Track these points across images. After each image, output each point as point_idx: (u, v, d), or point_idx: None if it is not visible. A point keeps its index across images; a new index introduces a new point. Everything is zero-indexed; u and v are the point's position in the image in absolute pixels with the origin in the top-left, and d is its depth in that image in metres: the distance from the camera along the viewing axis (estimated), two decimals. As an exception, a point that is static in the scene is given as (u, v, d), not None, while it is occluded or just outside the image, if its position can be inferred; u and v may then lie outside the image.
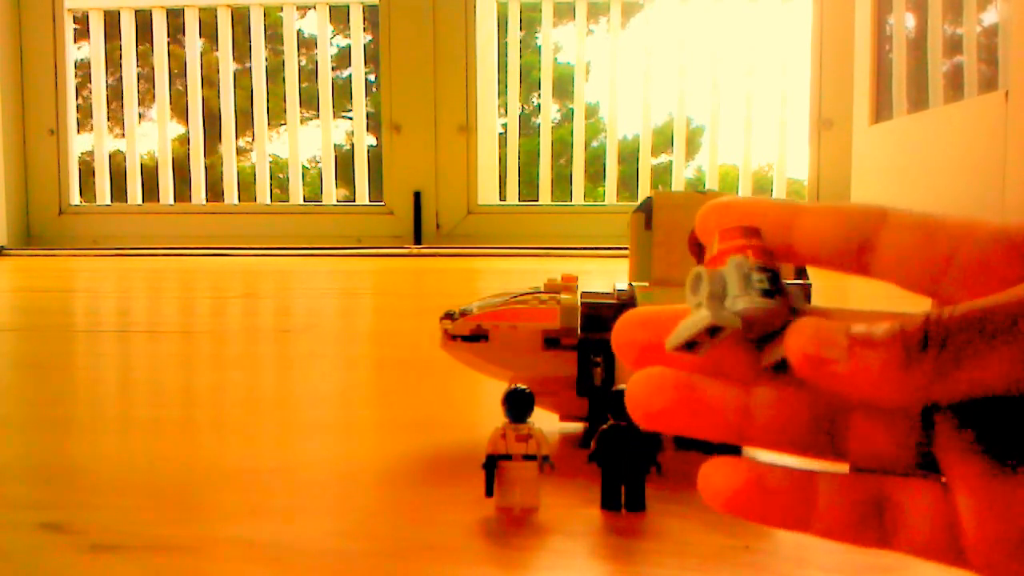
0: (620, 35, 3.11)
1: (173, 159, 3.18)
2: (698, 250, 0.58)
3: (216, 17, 3.03)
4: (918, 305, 0.21)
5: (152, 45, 3.09)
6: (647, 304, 0.55)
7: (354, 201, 3.09)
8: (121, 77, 3.09)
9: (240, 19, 3.11)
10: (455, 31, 2.77)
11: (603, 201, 3.11)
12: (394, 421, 0.68)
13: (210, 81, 3.32)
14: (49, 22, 2.91)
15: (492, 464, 0.43)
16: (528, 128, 5.14)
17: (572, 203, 2.99)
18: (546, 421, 0.55)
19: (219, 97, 3.11)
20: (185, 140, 3.35)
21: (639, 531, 0.43)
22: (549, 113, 3.11)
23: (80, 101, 3.28)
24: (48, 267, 2.36)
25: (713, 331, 0.22)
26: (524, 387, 0.44)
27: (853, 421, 0.22)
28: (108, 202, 3.11)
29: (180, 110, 3.72)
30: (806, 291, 0.57)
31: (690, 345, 0.22)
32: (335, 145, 3.27)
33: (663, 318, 0.23)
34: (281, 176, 4.76)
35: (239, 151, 3.58)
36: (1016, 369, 0.18)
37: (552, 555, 0.40)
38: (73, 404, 0.75)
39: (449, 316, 0.57)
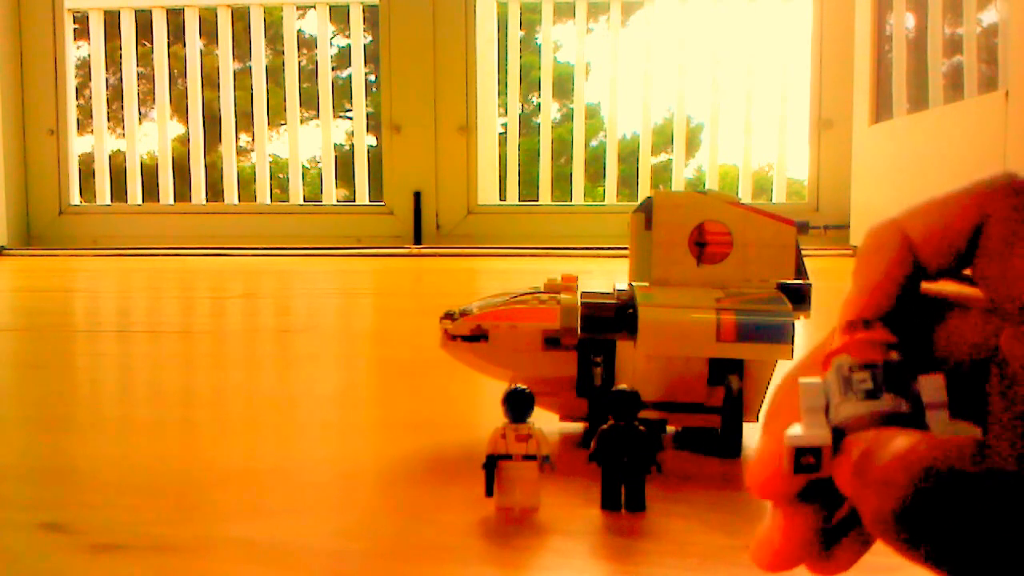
0: (620, 34, 3.11)
1: (173, 159, 3.18)
2: (698, 250, 0.58)
3: (216, 17, 3.03)
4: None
5: (152, 45, 3.09)
6: (647, 304, 0.55)
7: (354, 201, 3.09)
8: (121, 77, 3.09)
9: (240, 19, 3.11)
10: (455, 31, 2.77)
11: (603, 201, 3.11)
12: (394, 421, 0.68)
13: (210, 81, 3.31)
14: (49, 22, 2.91)
15: (492, 464, 0.43)
16: (528, 128, 5.14)
17: (572, 203, 2.99)
18: (546, 421, 0.55)
19: (219, 97, 3.11)
20: (185, 140, 3.35)
21: (639, 531, 0.43)
22: (549, 113, 3.11)
23: (81, 101, 3.28)
24: (48, 267, 2.36)
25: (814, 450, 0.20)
26: (524, 387, 0.44)
27: None
28: (108, 202, 3.11)
29: (180, 110, 3.72)
30: (806, 291, 0.57)
31: (806, 468, 0.20)
32: (335, 145, 3.27)
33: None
34: (281, 176, 4.76)
35: (239, 151, 3.58)
36: None
37: (552, 555, 0.40)
38: (73, 404, 0.75)
39: (449, 316, 0.57)
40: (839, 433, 0.20)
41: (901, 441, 0.18)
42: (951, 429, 0.19)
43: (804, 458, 0.20)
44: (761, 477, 0.22)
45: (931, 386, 0.20)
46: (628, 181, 3.67)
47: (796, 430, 0.20)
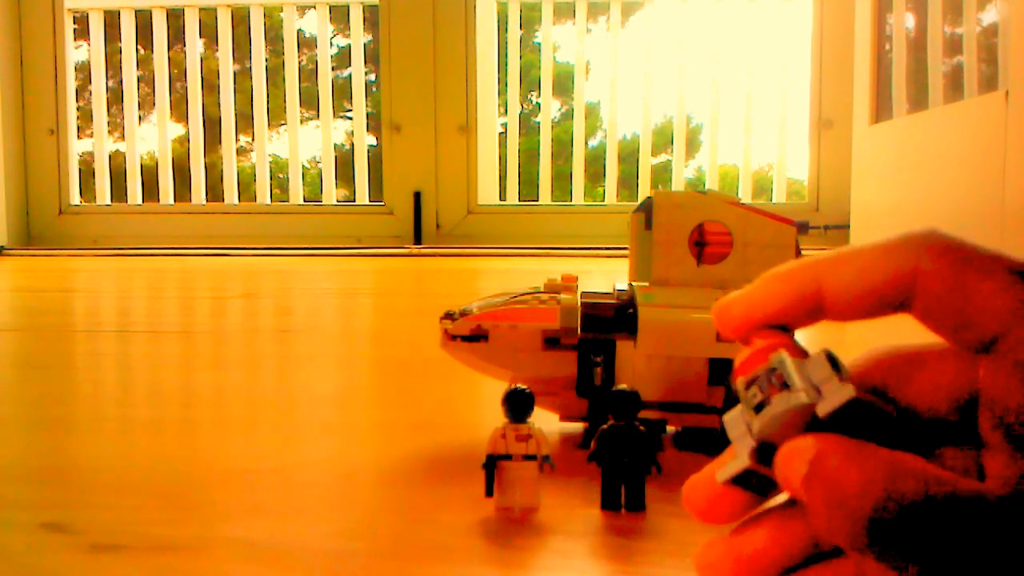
0: (620, 34, 3.11)
1: (173, 159, 3.18)
2: (698, 250, 0.58)
3: (216, 17, 3.03)
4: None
5: (152, 45, 3.09)
6: (647, 304, 0.55)
7: (354, 201, 3.09)
8: (121, 78, 3.09)
9: (240, 19, 3.11)
10: (455, 31, 2.77)
11: (603, 201, 3.11)
12: (394, 421, 0.68)
13: (210, 81, 3.32)
14: (49, 22, 2.91)
15: (492, 464, 0.43)
16: (528, 127, 5.14)
17: (572, 203, 2.99)
18: (546, 421, 0.55)
19: (219, 97, 3.11)
20: (185, 140, 3.35)
21: (639, 531, 0.43)
22: (549, 112, 3.11)
23: (81, 103, 3.28)
24: (48, 267, 2.36)
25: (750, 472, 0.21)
26: (524, 387, 0.44)
27: None
28: (108, 202, 3.11)
29: (180, 110, 3.72)
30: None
31: (743, 481, 0.21)
32: (335, 145, 3.27)
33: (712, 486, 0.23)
34: (281, 176, 4.76)
35: (239, 151, 3.58)
36: None
37: (552, 555, 0.40)
38: (73, 404, 0.75)
39: (449, 316, 0.57)
40: (768, 447, 0.21)
41: (867, 462, 0.19)
42: (835, 393, 0.20)
43: (746, 483, 0.21)
44: (702, 503, 0.23)
45: (816, 364, 0.20)
46: (628, 181, 3.67)
47: (727, 468, 0.21)
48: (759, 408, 0.20)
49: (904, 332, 0.25)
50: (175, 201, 3.13)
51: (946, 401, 0.21)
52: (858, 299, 0.21)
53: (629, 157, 3.51)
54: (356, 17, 3.01)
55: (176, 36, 3.30)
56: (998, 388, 0.20)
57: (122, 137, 3.19)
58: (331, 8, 3.06)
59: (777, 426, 0.20)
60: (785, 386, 0.20)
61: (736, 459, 0.21)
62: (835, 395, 0.20)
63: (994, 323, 0.20)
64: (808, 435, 0.20)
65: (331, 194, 3.09)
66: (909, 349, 0.22)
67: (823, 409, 0.20)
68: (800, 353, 0.21)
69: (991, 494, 0.18)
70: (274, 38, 3.38)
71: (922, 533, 0.18)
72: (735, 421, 0.21)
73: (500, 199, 3.00)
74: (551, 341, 0.55)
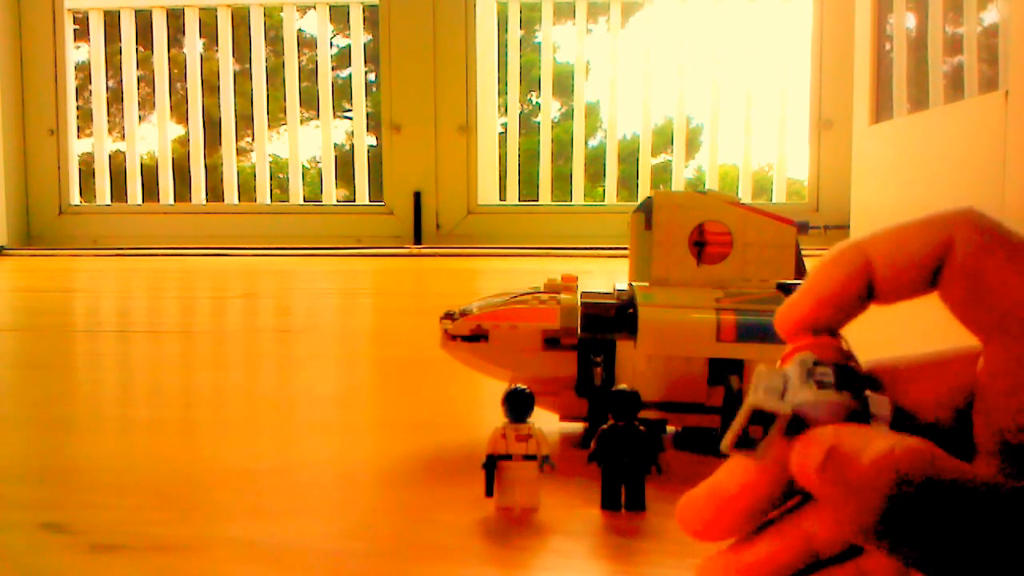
0: (620, 34, 3.11)
1: (173, 159, 3.18)
2: (698, 250, 0.58)
3: (216, 17, 3.03)
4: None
5: (152, 45, 3.09)
6: (647, 304, 0.55)
7: (354, 201, 3.09)
8: (121, 78, 3.09)
9: (240, 19, 3.11)
10: (455, 31, 2.77)
11: (603, 201, 3.11)
12: (394, 421, 0.68)
13: (210, 81, 3.31)
14: (49, 22, 2.91)
15: (492, 464, 0.43)
16: (528, 127, 5.14)
17: (572, 203, 2.99)
18: (546, 421, 0.55)
19: (219, 97, 3.11)
20: (185, 140, 3.35)
21: (639, 531, 0.43)
22: (549, 112, 3.11)
23: (81, 103, 3.28)
24: (48, 267, 2.36)
25: (764, 420, 0.20)
26: (524, 387, 0.44)
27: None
28: (108, 202, 3.11)
29: (180, 110, 3.72)
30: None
31: (746, 444, 0.21)
32: (335, 145, 3.27)
33: (721, 493, 0.23)
34: (281, 176, 4.76)
35: (239, 151, 3.58)
36: None
37: (552, 555, 0.40)
38: (73, 404, 0.75)
39: (449, 316, 0.57)
40: (796, 420, 0.20)
41: (878, 444, 0.19)
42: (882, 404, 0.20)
43: (752, 428, 0.21)
44: (707, 515, 0.22)
45: (878, 401, 0.21)
46: (628, 181, 3.67)
47: (749, 400, 0.21)
48: (822, 384, 0.20)
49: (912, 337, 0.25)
50: (175, 201, 3.13)
51: (943, 408, 0.22)
52: (903, 272, 0.21)
53: (629, 157, 3.51)
54: (356, 17, 3.01)
55: (176, 36, 3.30)
56: (997, 385, 0.20)
57: (122, 137, 3.19)
58: (331, 8, 3.06)
59: (822, 411, 0.20)
60: (851, 390, 0.20)
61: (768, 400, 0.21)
62: (881, 407, 0.20)
63: (1007, 309, 0.20)
64: (830, 425, 0.20)
65: (331, 194, 3.09)
66: (908, 359, 0.23)
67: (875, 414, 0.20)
68: (838, 352, 0.21)
69: (1003, 485, 0.18)
70: (274, 38, 3.38)
71: (934, 520, 0.18)
72: (773, 375, 0.21)
73: (500, 199, 3.00)
74: (551, 341, 0.55)
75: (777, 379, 0.21)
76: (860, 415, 0.20)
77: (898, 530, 0.18)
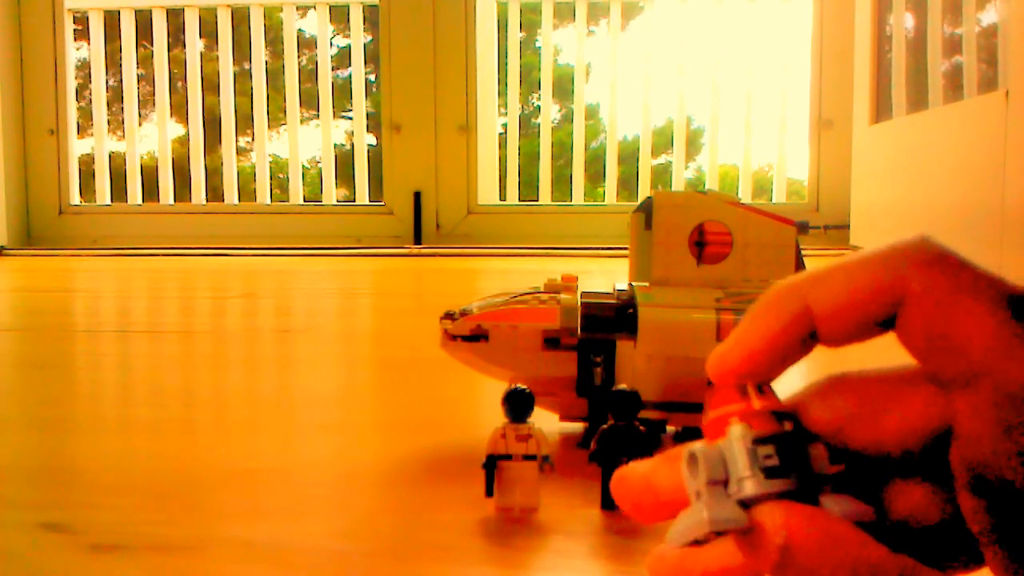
0: (620, 36, 3.11)
1: (173, 159, 3.18)
2: (698, 250, 0.58)
3: (216, 17, 3.04)
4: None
5: (152, 45, 3.09)
6: (647, 304, 0.55)
7: (354, 201, 3.09)
8: (121, 78, 3.09)
9: (240, 19, 3.11)
10: (455, 31, 2.77)
11: (603, 201, 3.11)
12: (394, 421, 0.68)
13: (210, 81, 3.31)
14: (49, 22, 2.91)
15: (492, 464, 0.43)
16: (528, 128, 5.14)
17: (572, 203, 2.99)
18: (546, 421, 0.55)
19: (219, 97, 3.11)
20: (185, 140, 3.35)
21: (639, 531, 0.43)
22: (549, 113, 3.11)
23: (81, 103, 3.28)
24: (48, 267, 2.36)
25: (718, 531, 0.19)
26: (524, 387, 0.44)
27: None
28: (108, 202, 3.11)
29: (180, 110, 3.72)
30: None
31: (697, 541, 0.20)
32: (335, 145, 3.27)
33: (656, 482, 0.21)
34: (281, 176, 4.76)
35: (239, 151, 3.58)
36: None
37: (552, 555, 0.40)
38: (73, 404, 0.75)
39: (449, 316, 0.57)
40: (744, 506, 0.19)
41: (844, 547, 0.18)
42: (841, 505, 0.19)
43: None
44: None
45: (819, 458, 0.20)
46: (628, 182, 3.67)
47: (700, 512, 0.19)
48: (768, 471, 0.19)
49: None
50: (175, 201, 3.13)
51: (915, 435, 0.20)
52: (846, 315, 0.20)
53: (629, 158, 3.51)
54: (356, 17, 3.01)
55: (176, 36, 3.30)
56: (973, 430, 0.19)
57: (122, 137, 3.19)
58: (331, 8, 3.06)
59: (771, 498, 0.19)
60: (793, 464, 0.19)
61: (697, 516, 0.19)
62: (848, 504, 0.19)
63: (977, 359, 0.19)
64: (779, 506, 0.19)
65: (331, 194, 3.09)
66: (874, 375, 0.21)
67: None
68: (770, 419, 0.20)
69: None
70: (274, 38, 3.38)
71: None
72: (713, 457, 0.20)
73: (500, 199, 3.00)
74: (551, 341, 0.55)
75: (718, 466, 0.19)
76: (808, 491, 0.19)
77: None
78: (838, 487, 0.20)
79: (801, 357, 0.21)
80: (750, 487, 0.19)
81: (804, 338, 0.20)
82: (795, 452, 0.19)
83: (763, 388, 0.21)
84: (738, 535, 0.19)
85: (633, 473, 0.22)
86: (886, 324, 0.20)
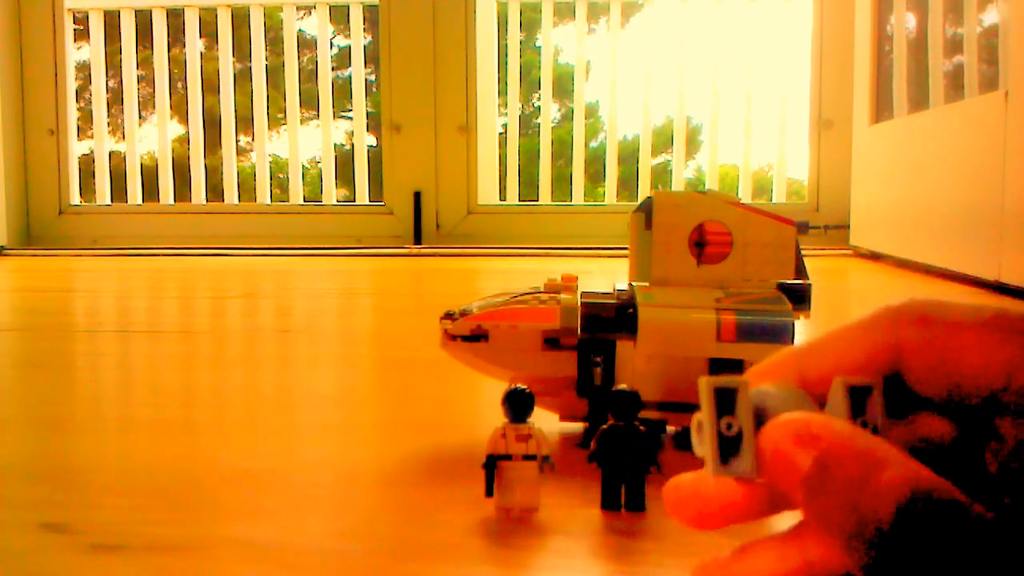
0: (620, 35, 3.11)
1: (173, 159, 3.17)
2: (698, 250, 0.58)
3: (216, 17, 3.04)
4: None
5: (152, 45, 3.09)
6: (647, 304, 0.55)
7: (354, 201, 3.09)
8: (121, 79, 3.09)
9: (240, 19, 3.11)
10: (455, 31, 2.77)
11: (603, 201, 3.11)
12: (394, 421, 0.68)
13: (210, 81, 3.31)
14: (49, 22, 2.91)
15: (492, 464, 0.43)
16: (528, 128, 5.14)
17: (572, 203, 2.99)
18: (546, 421, 0.55)
19: (219, 97, 3.11)
20: (185, 140, 3.35)
21: (639, 531, 0.43)
22: (549, 113, 3.11)
23: (81, 103, 3.28)
24: (48, 267, 2.36)
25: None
26: (524, 387, 0.44)
27: None
28: (108, 202, 3.11)
29: (180, 110, 3.72)
30: (806, 291, 0.57)
31: (729, 446, 0.20)
32: (335, 145, 3.27)
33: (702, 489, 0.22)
34: (281, 176, 4.76)
35: (239, 151, 3.58)
36: None
37: (552, 555, 0.40)
38: (73, 404, 0.75)
39: (449, 316, 0.57)
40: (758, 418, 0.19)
41: (889, 469, 0.18)
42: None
43: (726, 426, 0.20)
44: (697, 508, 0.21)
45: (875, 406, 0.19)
46: (628, 182, 3.67)
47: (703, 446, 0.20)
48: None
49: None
50: (175, 201, 3.13)
51: (996, 375, 0.20)
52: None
53: (629, 158, 3.51)
54: (356, 17, 3.01)
55: (176, 36, 3.30)
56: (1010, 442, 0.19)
57: (122, 137, 3.19)
58: (331, 8, 3.06)
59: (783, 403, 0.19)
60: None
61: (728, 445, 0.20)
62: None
63: (992, 382, 0.19)
64: (795, 415, 0.19)
65: (331, 194, 3.09)
66: (950, 315, 0.21)
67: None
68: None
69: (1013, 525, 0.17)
70: (274, 38, 3.38)
71: (929, 558, 0.17)
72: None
73: (500, 199, 3.00)
74: (551, 341, 0.55)
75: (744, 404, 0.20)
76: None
77: (890, 563, 0.17)
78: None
79: None
80: (760, 396, 0.19)
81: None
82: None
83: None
84: (767, 449, 0.19)
85: (687, 482, 0.22)
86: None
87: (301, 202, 3.09)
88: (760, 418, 0.19)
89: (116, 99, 3.22)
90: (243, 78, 3.52)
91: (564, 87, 4.01)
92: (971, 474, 0.20)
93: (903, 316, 0.20)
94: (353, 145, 3.15)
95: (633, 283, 0.58)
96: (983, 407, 0.19)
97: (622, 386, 0.46)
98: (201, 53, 3.16)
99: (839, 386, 0.20)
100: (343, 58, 5.41)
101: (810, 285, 0.57)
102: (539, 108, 3.15)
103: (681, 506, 0.21)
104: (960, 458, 0.21)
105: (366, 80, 3.22)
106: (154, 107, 3.15)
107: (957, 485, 0.19)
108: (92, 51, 3.08)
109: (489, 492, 0.43)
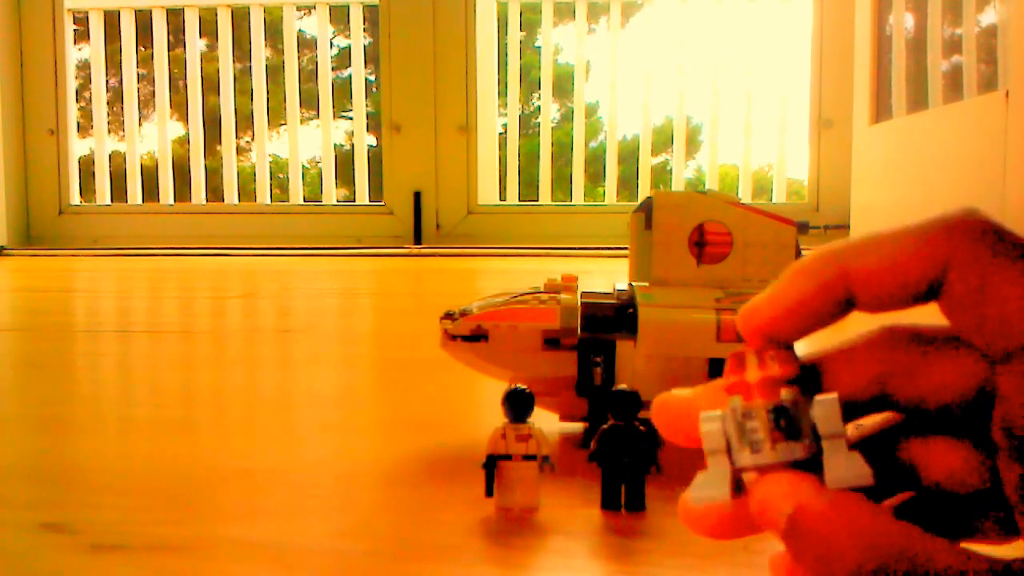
0: (620, 35, 3.11)
1: (173, 159, 3.18)
2: (698, 250, 0.58)
3: (216, 17, 3.04)
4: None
5: (152, 45, 3.09)
6: (647, 304, 0.55)
7: (354, 201, 3.09)
8: (121, 78, 3.09)
9: (240, 19, 3.11)
10: (455, 31, 2.77)
11: (603, 201, 3.11)
12: (394, 421, 0.68)
13: (210, 81, 3.31)
14: (49, 22, 2.91)
15: (492, 464, 0.43)
16: (528, 128, 5.14)
17: (572, 203, 2.99)
18: (546, 421, 0.55)
19: (219, 97, 3.11)
20: (185, 140, 3.35)
21: (639, 531, 0.43)
22: (549, 113, 3.11)
23: (81, 103, 3.28)
24: (48, 267, 2.36)
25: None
26: (524, 387, 0.44)
27: None
28: (108, 202, 3.11)
29: (180, 110, 3.72)
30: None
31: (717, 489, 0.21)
32: (335, 145, 3.27)
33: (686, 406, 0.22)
34: (281, 176, 4.76)
35: (239, 151, 3.58)
36: None
37: (552, 555, 0.40)
38: (73, 404, 0.75)
39: (449, 316, 0.57)
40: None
41: (854, 525, 0.18)
42: (846, 468, 0.19)
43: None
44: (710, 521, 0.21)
45: (826, 414, 0.20)
46: (628, 182, 3.67)
47: (699, 481, 0.20)
48: (756, 446, 0.20)
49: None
50: (175, 201, 3.13)
51: (956, 393, 0.20)
52: (888, 288, 0.20)
53: (629, 157, 3.51)
54: (356, 17, 3.01)
55: (176, 36, 3.30)
56: (1015, 398, 0.19)
57: (122, 137, 3.19)
58: (331, 8, 3.06)
59: (767, 471, 0.20)
60: (788, 433, 0.20)
61: (711, 480, 0.20)
62: (845, 469, 0.19)
63: (1017, 335, 0.18)
64: (784, 475, 0.19)
65: (331, 194, 3.09)
66: (916, 331, 0.21)
67: (832, 481, 0.19)
68: (804, 382, 0.20)
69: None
70: (274, 38, 3.38)
71: None
72: (713, 429, 0.20)
73: (500, 199, 3.00)
74: (551, 341, 0.55)
75: (720, 438, 0.20)
76: (809, 462, 0.19)
77: None
78: (861, 443, 0.20)
79: (832, 323, 0.21)
80: (741, 459, 0.20)
81: (838, 302, 0.20)
82: (789, 418, 0.20)
83: (778, 352, 0.21)
84: (753, 501, 0.20)
85: (674, 398, 0.22)
86: (928, 295, 0.20)
87: (301, 202, 3.09)
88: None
89: (116, 99, 3.22)
90: (243, 78, 3.52)
91: (564, 87, 4.01)
92: (977, 434, 0.20)
93: (960, 229, 0.19)
94: (353, 145, 3.15)
95: (633, 283, 0.58)
96: (999, 355, 0.19)
97: (622, 386, 0.46)
98: (201, 53, 3.16)
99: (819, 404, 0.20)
100: (343, 58, 5.41)
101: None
102: (539, 108, 3.15)
103: (698, 523, 0.21)
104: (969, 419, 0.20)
105: (366, 80, 3.22)
106: (154, 107, 3.15)
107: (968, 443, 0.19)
108: (92, 51, 3.08)
109: (489, 492, 0.43)
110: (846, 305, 0.20)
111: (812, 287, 0.20)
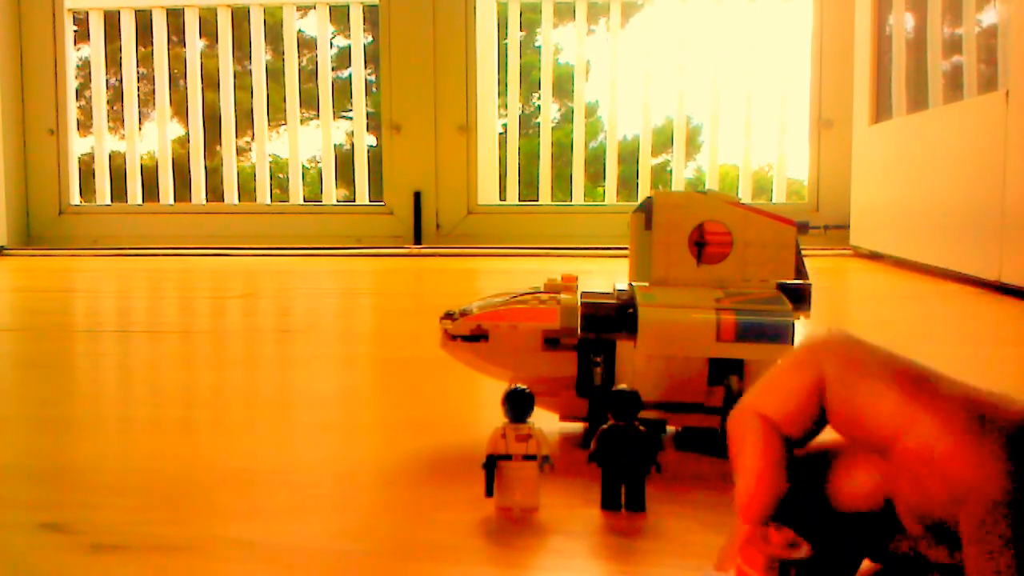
0: (620, 35, 3.10)
1: (173, 159, 3.18)
2: (698, 250, 0.58)
3: (216, 17, 3.04)
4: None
5: (152, 45, 3.09)
6: (647, 304, 0.55)
7: (354, 201, 3.09)
8: (121, 78, 3.09)
9: (240, 19, 3.11)
10: (455, 31, 2.77)
11: (603, 201, 3.11)
12: (394, 421, 0.68)
13: (210, 81, 3.31)
14: (49, 22, 2.91)
15: (492, 464, 0.43)
16: (528, 128, 5.14)
17: (572, 203, 2.99)
18: (546, 421, 0.55)
19: (219, 97, 3.11)
20: (185, 140, 3.35)
21: (639, 531, 0.43)
22: (549, 113, 3.11)
23: (81, 103, 3.28)
24: (48, 267, 2.36)
25: None
26: (524, 387, 0.44)
27: None
28: (108, 202, 3.11)
29: (180, 110, 3.72)
30: (806, 291, 0.57)
31: None
32: (335, 145, 3.27)
33: None
34: (281, 176, 4.76)
35: (239, 151, 3.58)
36: None
37: (552, 555, 0.40)
38: (73, 404, 0.75)
39: (449, 316, 0.57)
40: None
41: None
42: None
43: None
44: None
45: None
46: (628, 182, 3.67)
47: None
48: None
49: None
50: (175, 201, 3.13)
51: (867, 499, 0.22)
52: (798, 423, 0.22)
53: (629, 157, 3.51)
54: (356, 17, 3.01)
55: (176, 36, 3.30)
56: (901, 490, 0.21)
57: (122, 137, 3.19)
58: (331, 8, 3.06)
59: None
60: None
61: None
62: None
63: (885, 431, 0.20)
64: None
65: (331, 194, 3.09)
66: (857, 362, 0.22)
67: None
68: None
69: None
70: (274, 38, 3.38)
71: None
72: None
73: (500, 199, 3.00)
74: (551, 341, 0.55)
75: None
76: None
77: None
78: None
79: (806, 446, 0.23)
80: None
81: (781, 442, 0.22)
82: None
83: (768, 529, 0.22)
84: None
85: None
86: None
87: (301, 202, 3.09)
88: None
89: (116, 98, 3.21)
90: (243, 78, 3.52)
91: (564, 87, 4.01)
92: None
93: (823, 351, 0.22)
94: (353, 145, 3.15)
95: (633, 283, 0.58)
96: (879, 452, 0.21)
97: (622, 386, 0.46)
98: (201, 53, 3.16)
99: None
100: (343, 58, 5.41)
101: (810, 285, 0.57)
102: (539, 108, 3.15)
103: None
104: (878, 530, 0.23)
105: (366, 80, 3.22)
106: (154, 107, 3.15)
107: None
108: (92, 51, 3.08)
109: (489, 492, 0.43)
110: (800, 444, 0.23)
111: (758, 451, 0.22)
